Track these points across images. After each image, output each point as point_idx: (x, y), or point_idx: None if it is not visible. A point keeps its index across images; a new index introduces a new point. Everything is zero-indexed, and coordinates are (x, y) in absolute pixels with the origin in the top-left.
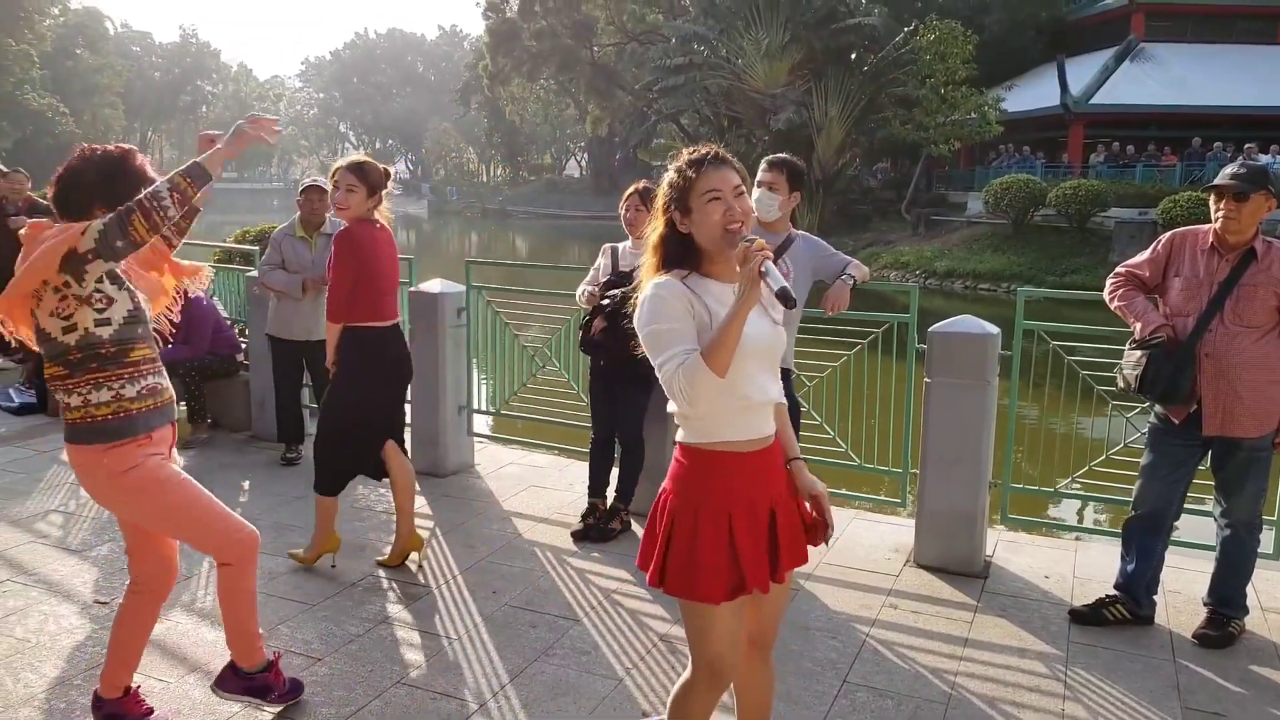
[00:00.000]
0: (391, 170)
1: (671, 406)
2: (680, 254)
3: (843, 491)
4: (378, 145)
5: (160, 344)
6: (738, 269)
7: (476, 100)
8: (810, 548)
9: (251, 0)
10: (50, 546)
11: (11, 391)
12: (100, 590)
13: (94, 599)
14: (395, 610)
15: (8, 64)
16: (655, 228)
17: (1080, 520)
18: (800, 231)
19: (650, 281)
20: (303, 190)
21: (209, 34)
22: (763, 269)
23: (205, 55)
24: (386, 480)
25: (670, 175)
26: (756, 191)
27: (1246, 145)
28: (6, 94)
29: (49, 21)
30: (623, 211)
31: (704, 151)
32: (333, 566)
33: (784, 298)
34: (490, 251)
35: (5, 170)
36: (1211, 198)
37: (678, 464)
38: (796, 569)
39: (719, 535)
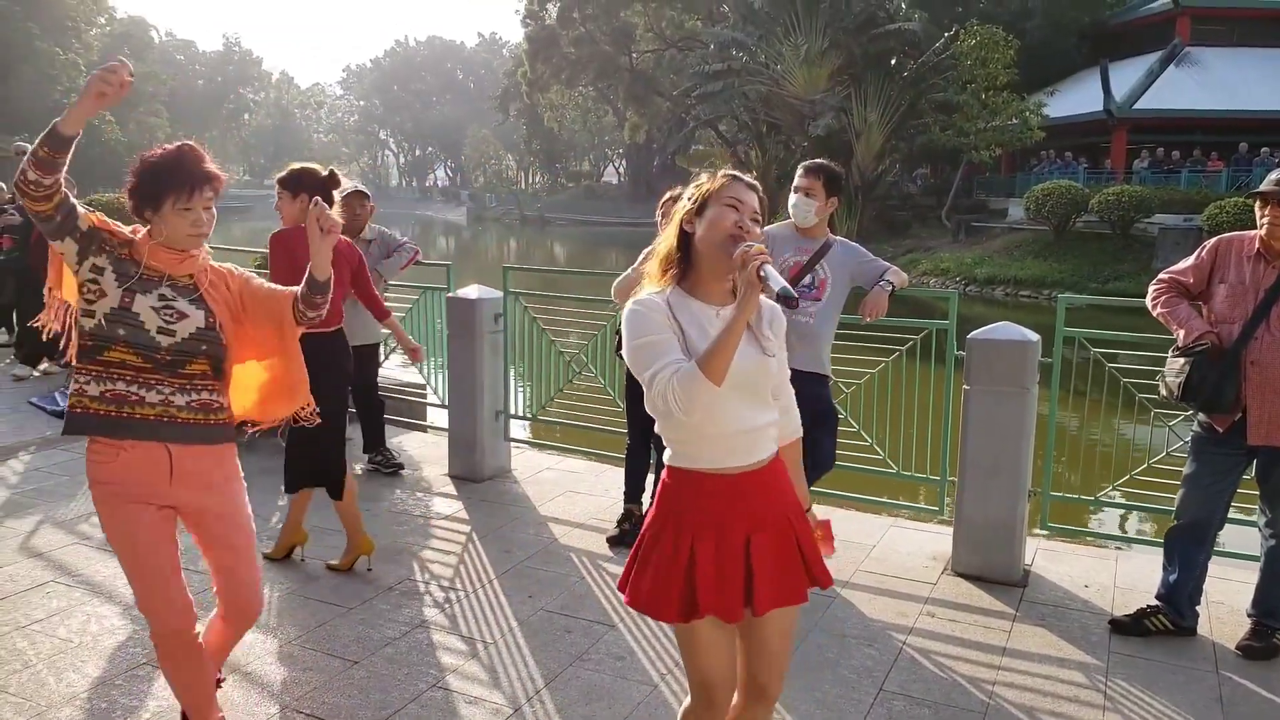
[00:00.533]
0: (340, 173)
1: (659, 427)
2: (680, 263)
3: (881, 499)
4: (417, 152)
5: None
6: (736, 276)
7: (515, 107)
8: (827, 564)
9: (294, 9)
10: (93, 548)
11: (57, 395)
12: None
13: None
14: (431, 614)
15: (55, 73)
16: (667, 236)
17: (1122, 530)
18: (838, 237)
19: (630, 299)
20: (343, 197)
21: (251, 42)
22: (761, 272)
23: (248, 63)
24: (424, 485)
25: (701, 181)
26: (793, 197)
27: None
28: (55, 102)
29: (95, 31)
30: (659, 217)
31: (737, 172)
32: (369, 570)
33: (785, 298)
34: (528, 258)
35: None
36: (1257, 204)
37: (661, 483)
38: (802, 602)
39: (678, 555)
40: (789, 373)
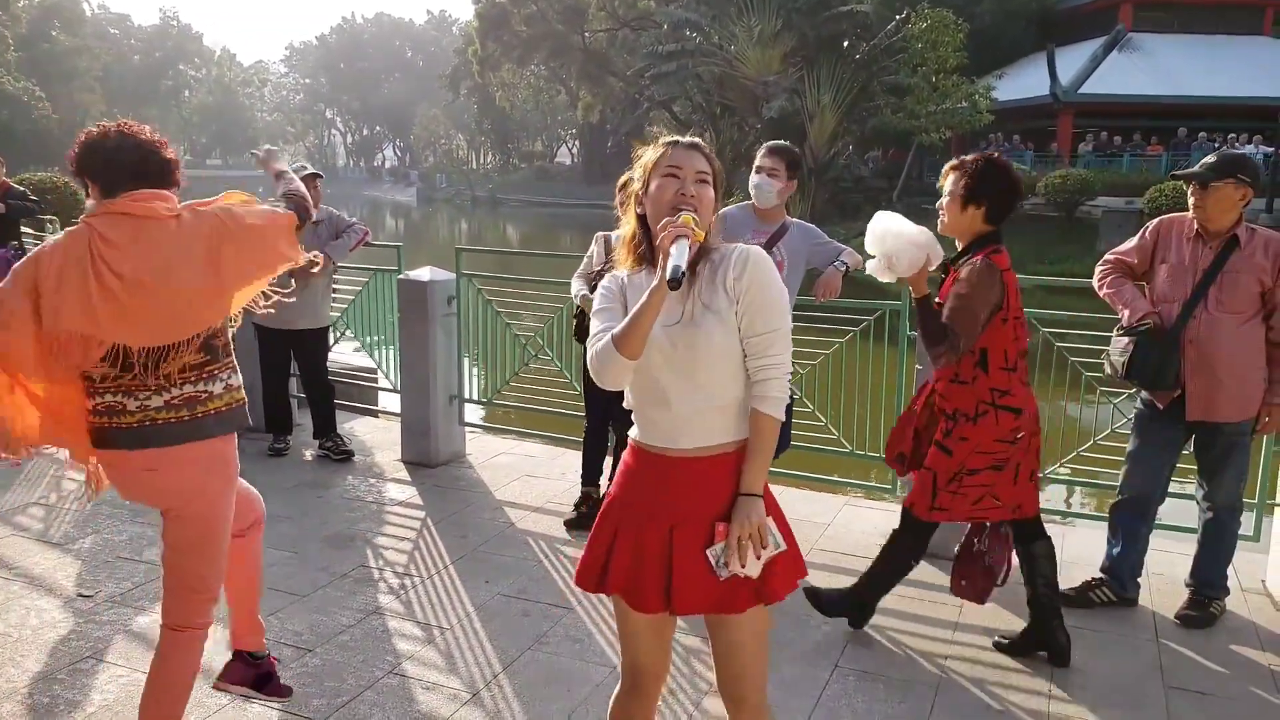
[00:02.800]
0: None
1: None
2: (647, 247)
3: (834, 478)
4: (365, 132)
5: None
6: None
7: (466, 86)
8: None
9: None
10: (31, 540)
11: None
12: (84, 584)
13: (77, 593)
14: (386, 601)
15: None
16: (627, 222)
17: (1068, 505)
18: (794, 220)
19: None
20: (302, 179)
21: (190, 17)
22: (671, 246)
23: (186, 39)
24: (376, 471)
25: (643, 153)
26: (755, 178)
27: (1230, 135)
28: None
29: (23, 2)
30: (618, 200)
31: (679, 137)
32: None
33: (671, 279)
34: (480, 239)
35: None
36: (1188, 187)
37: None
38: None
39: (604, 526)
40: (779, 329)
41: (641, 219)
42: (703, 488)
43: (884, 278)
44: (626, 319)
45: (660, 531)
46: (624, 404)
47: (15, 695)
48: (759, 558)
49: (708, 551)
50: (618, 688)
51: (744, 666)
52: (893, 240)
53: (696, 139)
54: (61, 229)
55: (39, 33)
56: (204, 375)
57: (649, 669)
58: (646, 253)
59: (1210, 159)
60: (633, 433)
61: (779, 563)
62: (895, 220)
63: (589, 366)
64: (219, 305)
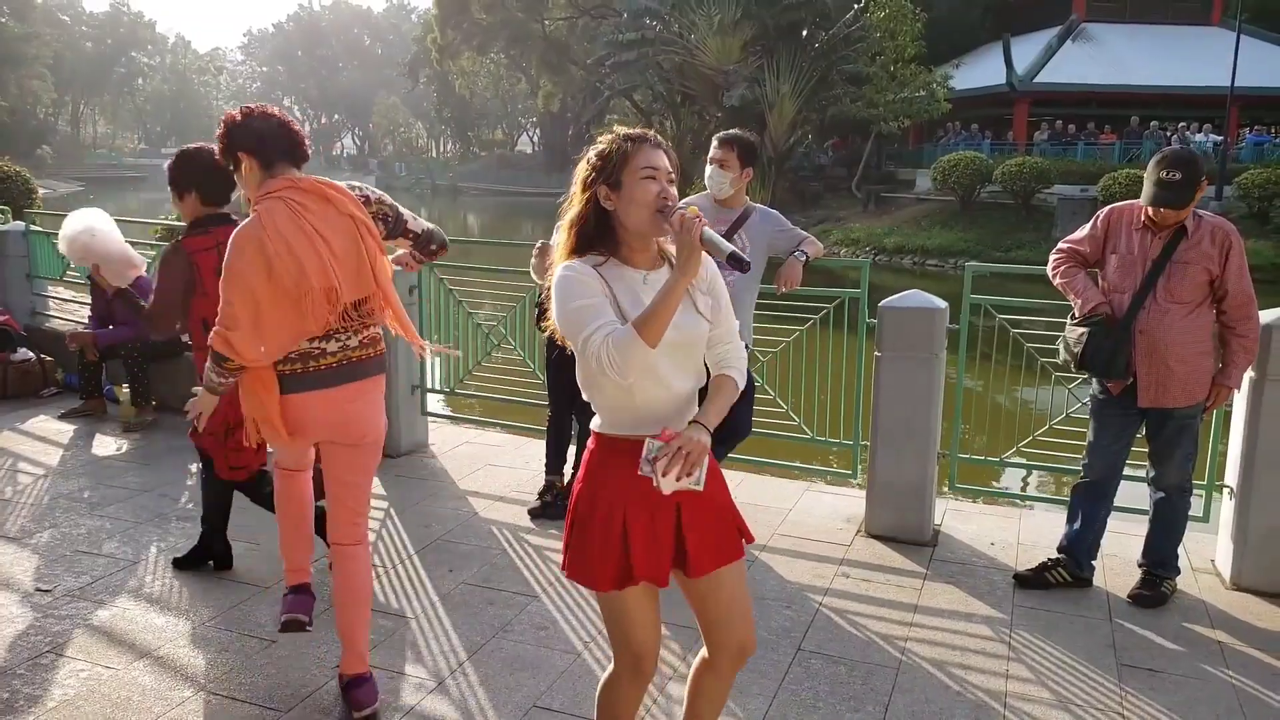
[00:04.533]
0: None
1: (586, 394)
2: (598, 235)
3: (795, 464)
4: (323, 120)
5: (98, 325)
6: (671, 241)
7: (425, 74)
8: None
9: None
10: None
11: None
12: (42, 578)
13: (35, 587)
14: None
15: None
16: (574, 205)
17: (1025, 488)
18: (757, 205)
19: (560, 265)
20: None
21: (142, 4)
22: (704, 236)
23: (139, 26)
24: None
25: (601, 147)
26: (709, 169)
27: (1180, 124)
28: None
29: None
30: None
31: (642, 130)
32: None
33: (736, 261)
34: (441, 228)
35: None
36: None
37: (587, 450)
38: (732, 561)
39: (611, 524)
40: (736, 323)
41: (596, 207)
42: None
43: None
44: (649, 308)
45: (670, 510)
46: (588, 398)
47: None
48: (678, 479)
49: (647, 440)
50: (611, 672)
51: (748, 609)
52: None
53: (655, 134)
54: (13, 219)
55: None
56: (376, 320)
57: (651, 651)
58: (596, 239)
59: (1165, 172)
60: (614, 429)
61: (737, 511)
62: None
63: (602, 363)
64: (378, 267)
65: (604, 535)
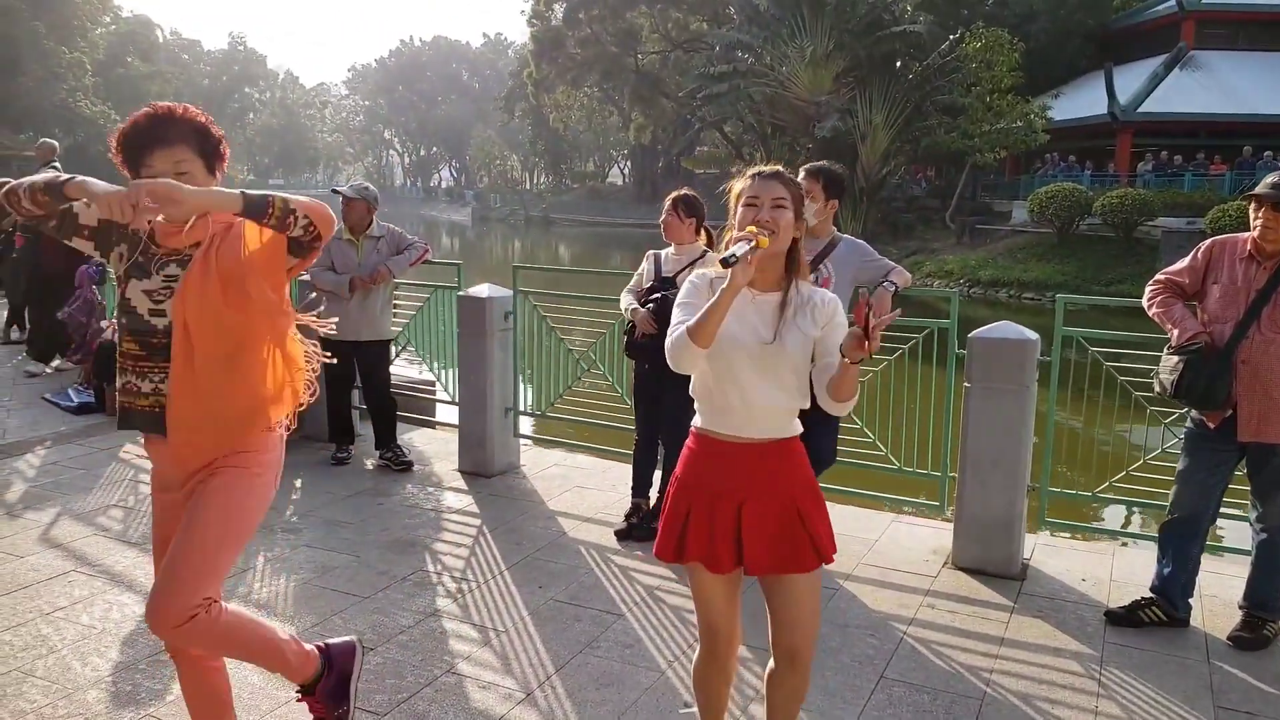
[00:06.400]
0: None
1: (692, 386)
2: None
3: (883, 495)
4: (422, 152)
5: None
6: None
7: (520, 108)
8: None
9: (299, 8)
10: (112, 539)
11: (70, 391)
12: None
13: None
14: (444, 604)
15: (61, 72)
16: (729, 235)
17: (1118, 525)
18: (845, 235)
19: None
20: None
21: (256, 41)
22: (734, 244)
23: (253, 62)
24: (434, 480)
25: (734, 183)
26: None
27: None
28: (60, 102)
29: (100, 30)
30: (664, 218)
31: (763, 167)
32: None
33: (724, 260)
34: (533, 258)
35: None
36: (1251, 206)
37: (686, 443)
38: (800, 571)
39: (679, 506)
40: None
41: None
42: (767, 469)
43: None
44: (700, 314)
45: (731, 506)
46: (690, 393)
47: (100, 683)
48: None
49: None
50: (698, 651)
51: (805, 620)
52: None
53: (779, 168)
54: None
55: (116, 59)
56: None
57: (722, 631)
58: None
59: (1276, 179)
60: (700, 423)
61: (827, 530)
62: None
63: (667, 352)
64: None
65: (673, 514)
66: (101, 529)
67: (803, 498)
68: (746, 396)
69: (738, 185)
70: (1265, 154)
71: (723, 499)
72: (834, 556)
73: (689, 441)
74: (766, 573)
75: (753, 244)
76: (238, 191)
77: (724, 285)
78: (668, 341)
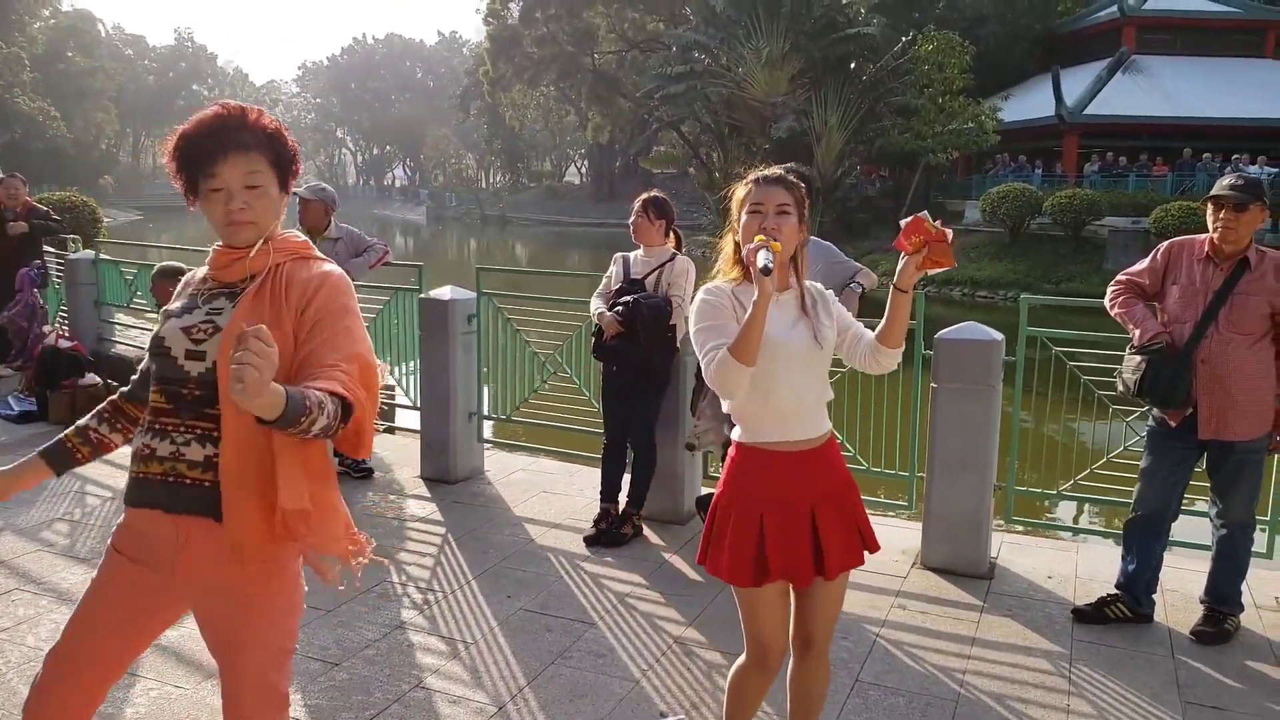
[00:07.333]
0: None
1: (726, 406)
2: (739, 260)
3: None
4: (375, 151)
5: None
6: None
7: (476, 106)
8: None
9: (247, 4)
10: (57, 555)
11: (11, 400)
12: None
13: None
14: (410, 615)
15: None
16: (726, 242)
17: (1081, 522)
18: (813, 237)
19: (702, 288)
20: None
21: (204, 38)
22: (757, 255)
23: (201, 59)
24: (396, 488)
25: (736, 188)
26: None
27: (1234, 156)
28: None
29: (39, 24)
30: (633, 219)
31: (766, 171)
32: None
33: (763, 268)
34: (490, 258)
35: (1, 176)
36: (1210, 208)
37: (730, 459)
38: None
39: (749, 528)
40: (857, 323)
41: (735, 242)
42: (831, 467)
43: None
44: (739, 333)
45: (804, 512)
46: (727, 410)
47: None
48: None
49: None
50: (741, 662)
51: (830, 614)
52: None
53: (780, 172)
54: (83, 248)
55: (55, 53)
56: None
57: (778, 645)
58: (739, 263)
59: (1229, 180)
60: (752, 438)
61: (868, 521)
62: None
63: (713, 381)
64: None
65: (742, 535)
66: (46, 544)
67: (851, 492)
68: (802, 399)
69: (740, 190)
70: (1204, 156)
71: (794, 509)
72: (878, 546)
73: (737, 458)
74: (842, 571)
75: (770, 250)
76: (282, 391)
77: (755, 298)
78: (707, 369)
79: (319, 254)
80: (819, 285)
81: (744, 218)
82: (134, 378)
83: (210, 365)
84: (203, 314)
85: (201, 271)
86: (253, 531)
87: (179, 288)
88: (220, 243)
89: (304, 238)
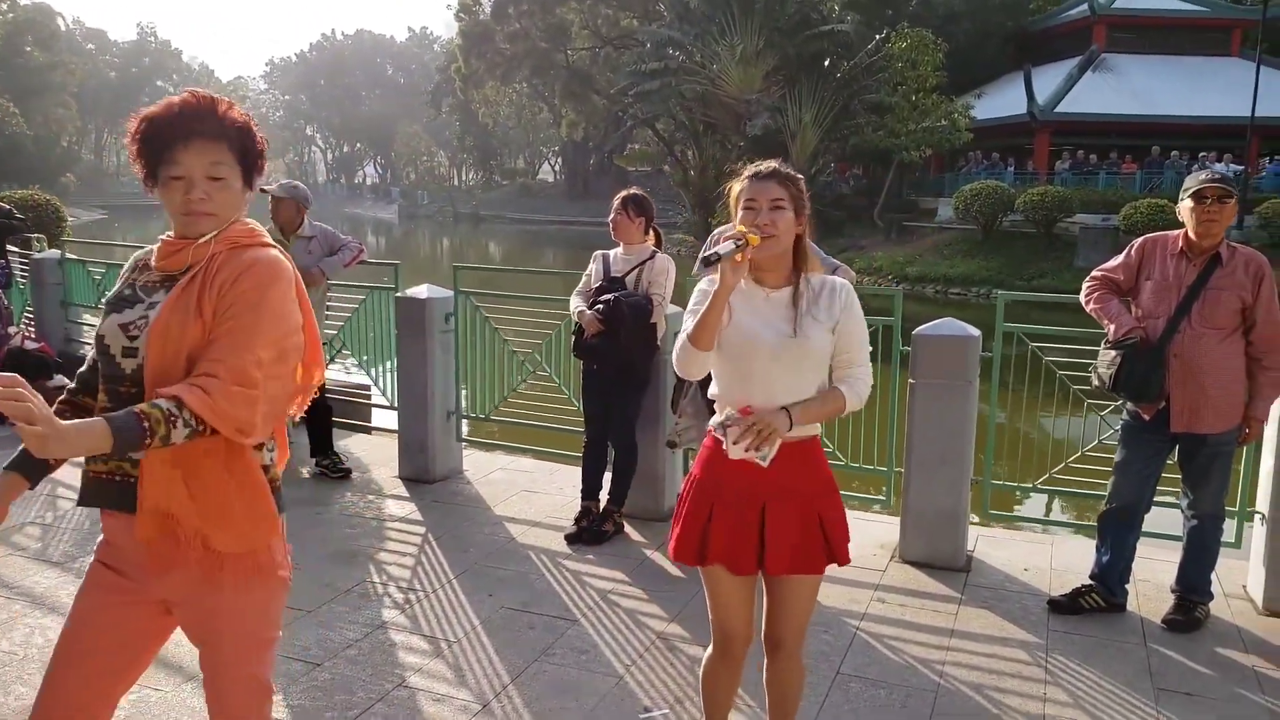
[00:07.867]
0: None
1: (711, 390)
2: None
3: None
4: (345, 149)
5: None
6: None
7: (448, 103)
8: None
9: (215, 2)
10: (30, 559)
11: None
12: None
13: None
14: (391, 615)
15: None
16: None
17: (1054, 514)
18: None
19: (704, 278)
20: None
21: (168, 33)
22: (720, 244)
23: (165, 55)
24: (374, 488)
25: (733, 184)
26: None
27: (1201, 154)
28: None
29: None
30: (612, 216)
31: (760, 166)
32: None
33: (704, 257)
34: (464, 256)
35: None
36: (1191, 203)
37: (704, 446)
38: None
39: (699, 511)
40: (866, 355)
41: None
42: (792, 468)
43: None
44: (698, 318)
45: (756, 507)
46: (711, 396)
47: (26, 712)
48: (745, 450)
49: (726, 411)
50: (709, 652)
51: (797, 617)
52: None
53: (776, 167)
54: (48, 247)
55: (12, 48)
56: None
57: (737, 633)
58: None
59: (1205, 175)
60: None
61: (843, 534)
62: None
63: (674, 359)
64: None
65: (693, 517)
66: (17, 548)
67: (823, 500)
68: (771, 394)
69: (736, 187)
70: (1172, 154)
71: (746, 501)
72: (849, 559)
73: (708, 443)
74: (784, 574)
75: (741, 243)
76: (104, 424)
77: (714, 290)
78: (674, 349)
79: (266, 240)
80: (839, 283)
81: (739, 214)
82: (81, 370)
83: (142, 362)
84: (142, 308)
85: (151, 258)
86: (157, 528)
87: (125, 266)
88: (170, 233)
89: (255, 226)
